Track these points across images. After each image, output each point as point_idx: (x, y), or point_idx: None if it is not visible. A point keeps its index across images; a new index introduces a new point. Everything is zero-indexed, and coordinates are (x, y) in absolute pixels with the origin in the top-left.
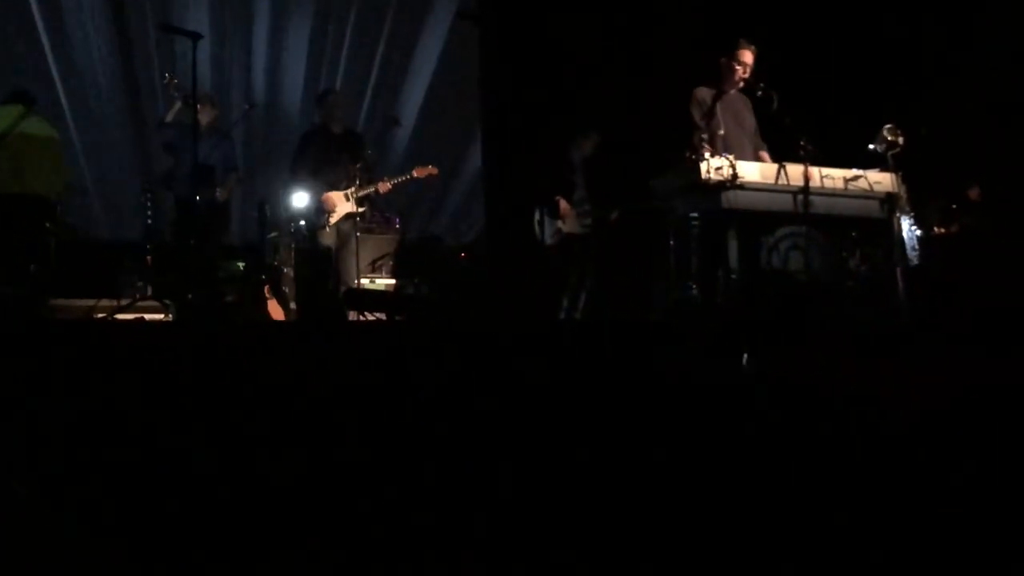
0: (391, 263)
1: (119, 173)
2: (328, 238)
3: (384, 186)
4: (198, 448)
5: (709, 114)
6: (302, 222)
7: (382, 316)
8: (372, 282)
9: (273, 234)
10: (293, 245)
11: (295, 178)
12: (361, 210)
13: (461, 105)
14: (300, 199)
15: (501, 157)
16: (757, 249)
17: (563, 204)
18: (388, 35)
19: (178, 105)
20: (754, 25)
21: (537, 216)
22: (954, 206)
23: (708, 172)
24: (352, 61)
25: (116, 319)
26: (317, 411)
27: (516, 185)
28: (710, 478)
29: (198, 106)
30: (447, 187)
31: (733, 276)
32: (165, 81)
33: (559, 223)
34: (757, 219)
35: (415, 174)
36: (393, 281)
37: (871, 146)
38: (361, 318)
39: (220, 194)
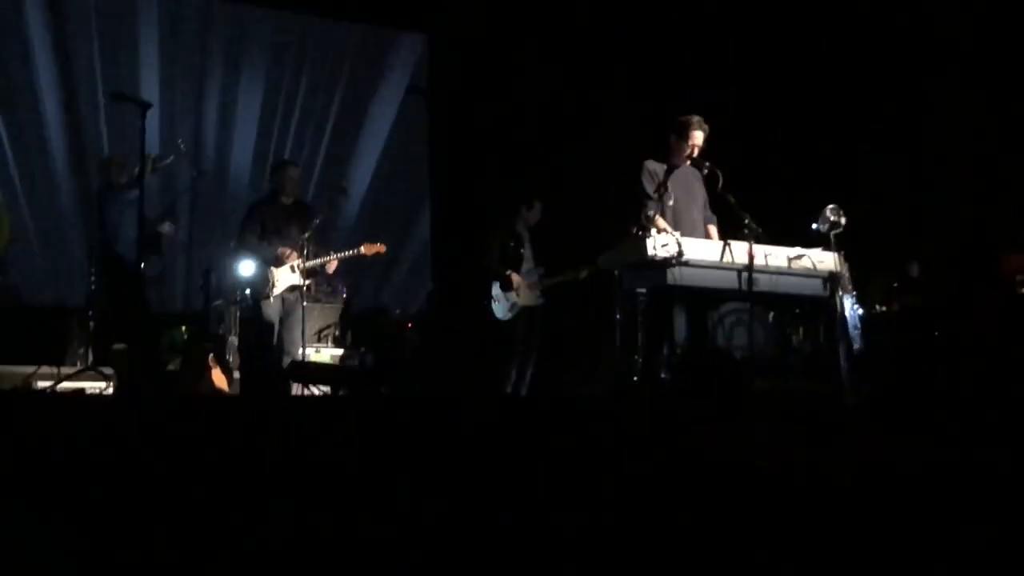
0: (337, 333)
1: (64, 237)
2: (272, 308)
3: (331, 265)
4: (135, 525)
5: (660, 187)
6: (247, 291)
7: (327, 389)
8: (318, 352)
9: (218, 302)
10: (238, 314)
11: (242, 246)
12: (307, 282)
13: (410, 177)
14: (246, 268)
15: (449, 229)
16: (703, 324)
17: (515, 277)
18: (338, 107)
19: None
20: (701, 102)
21: (491, 293)
22: (895, 284)
23: (654, 248)
24: (302, 130)
25: (54, 391)
26: (259, 486)
27: (464, 257)
28: (645, 560)
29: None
30: (395, 258)
31: (679, 351)
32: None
33: (514, 297)
34: (703, 295)
35: (363, 251)
36: (339, 351)
37: (814, 225)
38: (305, 391)
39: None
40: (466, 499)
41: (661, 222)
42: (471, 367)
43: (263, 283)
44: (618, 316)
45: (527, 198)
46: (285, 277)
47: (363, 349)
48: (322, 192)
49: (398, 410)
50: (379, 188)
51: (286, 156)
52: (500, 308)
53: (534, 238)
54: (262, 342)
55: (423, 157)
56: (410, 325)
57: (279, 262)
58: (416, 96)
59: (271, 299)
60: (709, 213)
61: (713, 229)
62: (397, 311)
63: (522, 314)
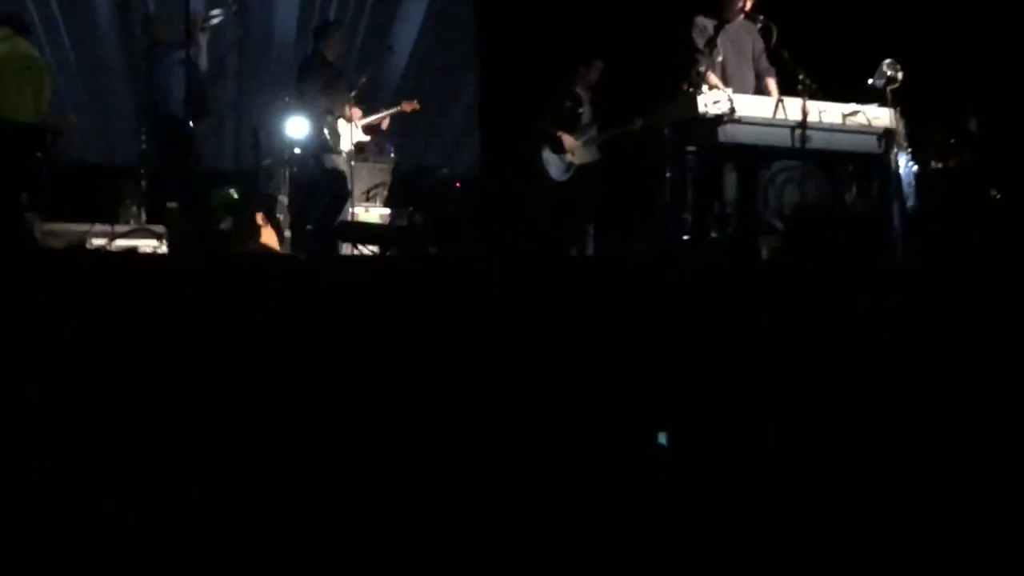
0: (385, 192)
1: (114, 96)
2: (342, 161)
3: (386, 122)
4: (184, 386)
5: (710, 43)
6: (309, 146)
7: (375, 249)
8: (367, 211)
9: (267, 161)
10: (288, 173)
11: (303, 101)
12: (367, 139)
13: (457, 33)
14: (300, 123)
15: (497, 87)
16: (753, 183)
17: (566, 138)
18: None
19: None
20: None
21: (543, 155)
22: (952, 140)
23: (705, 105)
24: None
25: (107, 250)
26: (308, 350)
27: (512, 116)
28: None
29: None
30: (442, 116)
31: (728, 209)
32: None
33: (569, 157)
34: (754, 153)
35: (404, 107)
36: (387, 211)
37: (870, 81)
38: (354, 251)
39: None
40: (511, 366)
41: (713, 78)
42: (521, 226)
43: (333, 136)
44: (668, 174)
45: (585, 56)
46: (348, 132)
47: (411, 208)
48: (368, 49)
49: (448, 269)
50: (425, 46)
51: (331, 14)
52: (556, 170)
53: (594, 97)
54: (336, 194)
55: (470, 15)
56: (458, 184)
57: (349, 117)
58: None
59: (341, 153)
60: (767, 65)
61: (772, 82)
62: (444, 170)
63: (579, 173)
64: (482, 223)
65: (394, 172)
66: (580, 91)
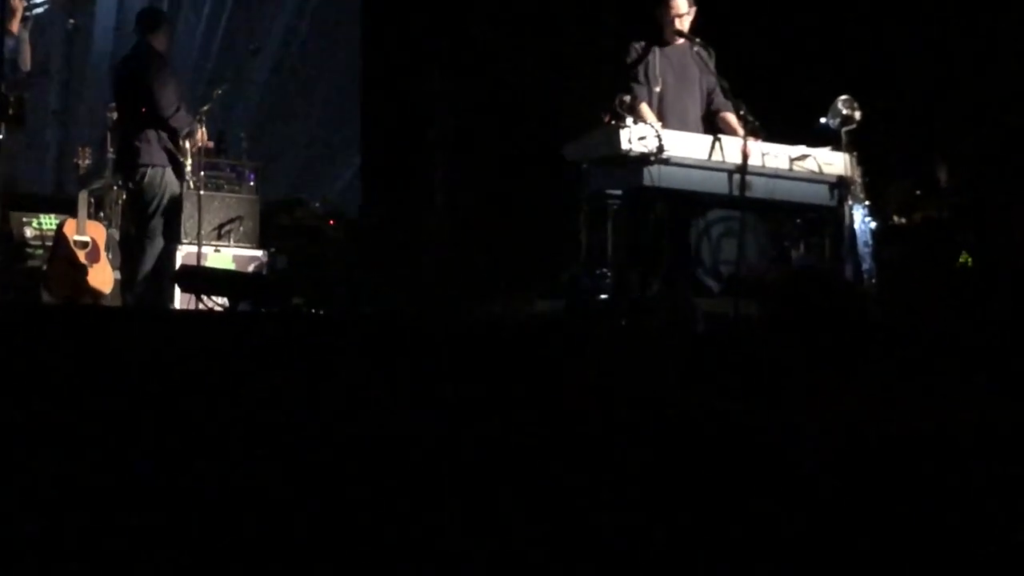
0: (241, 229)
1: None
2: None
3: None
4: None
5: (634, 65)
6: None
7: (224, 302)
8: (218, 251)
9: (97, 185)
10: (120, 200)
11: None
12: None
13: (338, 38)
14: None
15: (385, 108)
16: (685, 234)
17: None
18: None
19: None
20: None
21: None
22: (918, 192)
23: (629, 142)
24: None
25: None
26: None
27: (401, 138)
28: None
29: None
30: (319, 138)
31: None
32: None
33: None
34: (685, 199)
35: None
36: (242, 251)
37: (823, 120)
38: (200, 305)
39: None
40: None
41: (645, 110)
42: (408, 271)
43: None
44: (583, 221)
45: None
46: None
47: (272, 250)
48: (228, 52)
49: (316, 328)
50: (297, 50)
51: (183, 6)
52: None
53: None
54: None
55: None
56: (332, 222)
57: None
58: None
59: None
60: (721, 99)
61: (730, 117)
62: (317, 204)
63: None
64: (358, 270)
65: (254, 204)
66: None
